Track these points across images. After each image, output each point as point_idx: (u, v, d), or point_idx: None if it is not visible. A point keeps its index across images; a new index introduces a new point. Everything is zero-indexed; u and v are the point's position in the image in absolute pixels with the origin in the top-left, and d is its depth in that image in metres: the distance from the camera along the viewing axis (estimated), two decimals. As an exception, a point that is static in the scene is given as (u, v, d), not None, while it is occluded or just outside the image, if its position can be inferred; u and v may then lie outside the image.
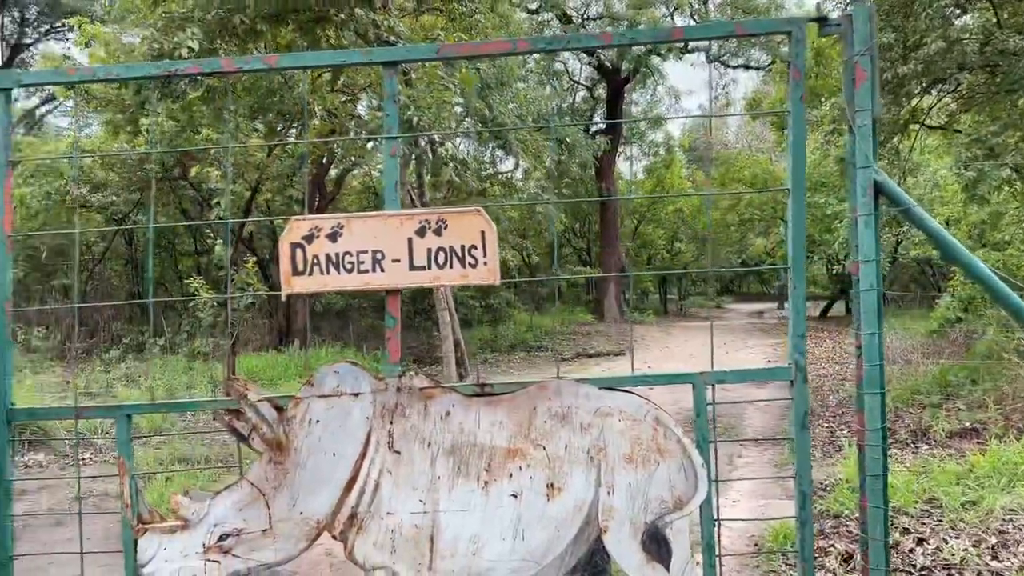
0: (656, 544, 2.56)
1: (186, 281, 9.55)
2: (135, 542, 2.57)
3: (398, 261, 2.65)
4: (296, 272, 2.65)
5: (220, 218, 9.87)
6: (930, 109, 10.31)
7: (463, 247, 2.64)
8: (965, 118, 10.18)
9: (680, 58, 23.44)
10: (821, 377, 11.36)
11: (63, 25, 23.28)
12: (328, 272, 2.66)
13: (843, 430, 7.48)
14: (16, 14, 23.71)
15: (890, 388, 7.62)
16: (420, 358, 14.93)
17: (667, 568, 2.54)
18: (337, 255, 2.66)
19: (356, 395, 2.60)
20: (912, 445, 6.64)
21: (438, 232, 2.64)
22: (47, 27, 24.16)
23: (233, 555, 2.59)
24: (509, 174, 16.44)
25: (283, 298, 2.72)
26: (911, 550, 4.19)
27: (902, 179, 10.05)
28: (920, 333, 12.86)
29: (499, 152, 15.54)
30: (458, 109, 6.71)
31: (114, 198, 15.55)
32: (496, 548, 2.55)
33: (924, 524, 4.55)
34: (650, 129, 26.32)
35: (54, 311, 15.20)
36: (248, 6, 6.07)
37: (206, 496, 2.60)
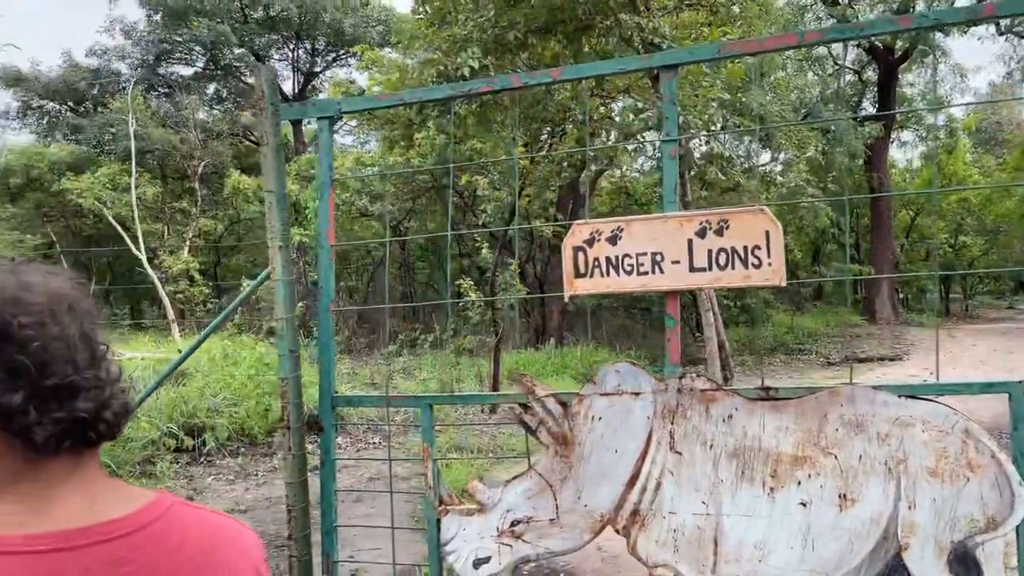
0: (965, 566, 2.36)
1: (457, 282, 10.25)
2: (438, 521, 2.82)
3: (678, 263, 2.67)
4: (578, 274, 2.76)
5: (485, 224, 10.42)
6: None
7: (746, 248, 2.60)
8: None
9: (965, 32, 21.09)
10: None
11: (347, 53, 25.92)
12: (608, 274, 2.74)
13: None
14: (308, 46, 26.75)
15: None
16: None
17: (978, 594, 2.33)
18: (617, 257, 2.73)
19: (637, 394, 2.66)
20: None
21: (719, 232, 2.62)
22: (333, 55, 27.01)
23: (524, 540, 2.76)
24: (767, 167, 15.79)
25: (566, 299, 2.85)
26: None
27: None
28: None
29: (755, 145, 14.98)
30: (716, 104, 6.60)
31: (390, 207, 17.06)
32: (783, 556, 2.48)
33: None
34: (929, 112, 23.96)
35: (341, 311, 16.94)
36: (519, 22, 6.42)
37: (499, 483, 2.79)
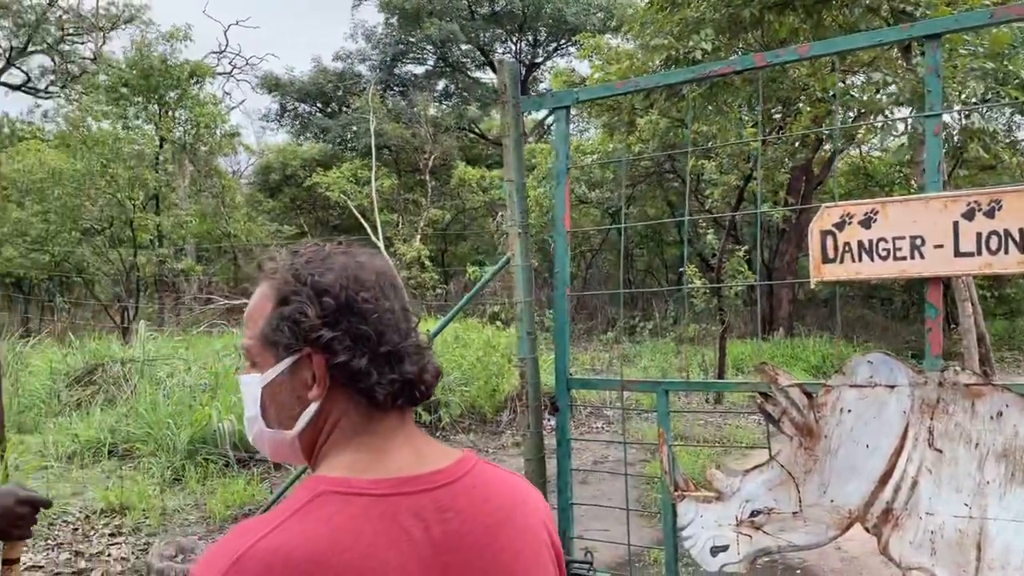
0: None
1: (682, 269, 10.10)
2: (673, 506, 2.83)
3: (940, 247, 2.47)
4: (826, 259, 2.64)
5: (710, 210, 10.17)
6: None
7: (1021, 230, 2.35)
8: None
9: None
10: None
11: (568, 42, 26.28)
12: (860, 259, 2.60)
13: None
14: (529, 38, 27.42)
15: None
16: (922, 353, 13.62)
17: None
18: (870, 241, 2.57)
19: (891, 387, 2.50)
20: None
21: (990, 214, 2.39)
22: (554, 45, 27.49)
23: (764, 532, 2.70)
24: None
25: (812, 285, 2.73)
26: None
27: None
28: None
29: (1017, 118, 13.41)
30: (979, 74, 5.94)
31: (609, 194, 17.13)
32: (1064, 570, 2.24)
33: None
34: None
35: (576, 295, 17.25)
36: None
37: (737, 472, 2.74)
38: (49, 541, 5.03)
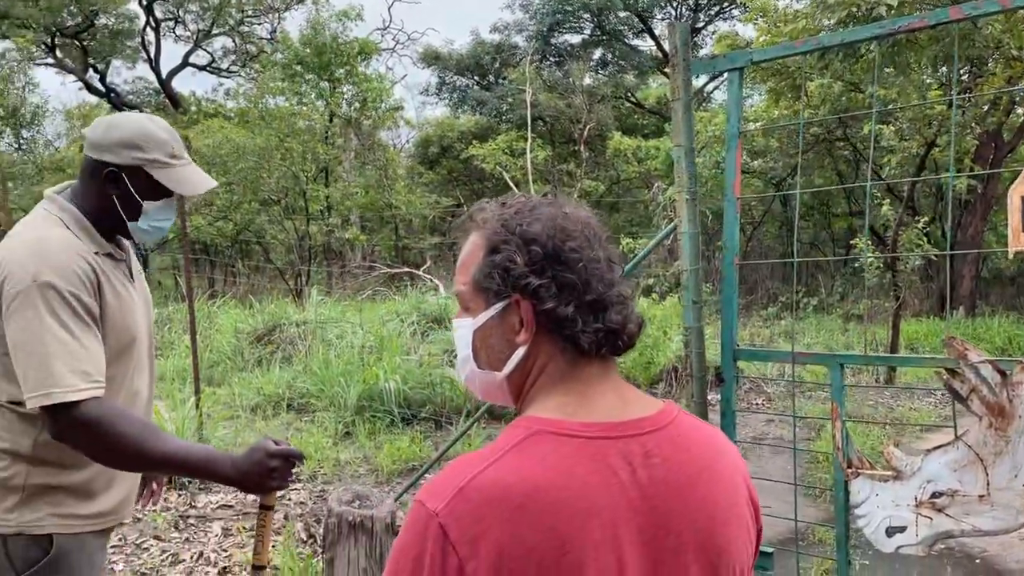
0: None
1: (853, 242, 9.57)
2: (845, 483, 2.73)
3: None
4: (1029, 227, 2.43)
5: (886, 179, 9.58)
6: None
7: None
8: None
9: None
10: None
11: (730, 4, 25.29)
12: (1070, 227, 2.38)
13: None
14: (690, 1, 26.60)
15: None
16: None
17: None
18: (1082, 208, 2.35)
19: (1103, 367, 2.29)
20: None
21: None
22: (716, 8, 26.53)
23: (945, 514, 2.55)
24: None
25: (1010, 256, 2.53)
26: None
27: None
28: None
29: None
30: None
31: (772, 164, 16.43)
32: None
33: None
34: None
35: (745, 264, 16.82)
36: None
37: (917, 451, 2.61)
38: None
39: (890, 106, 9.19)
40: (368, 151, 21.70)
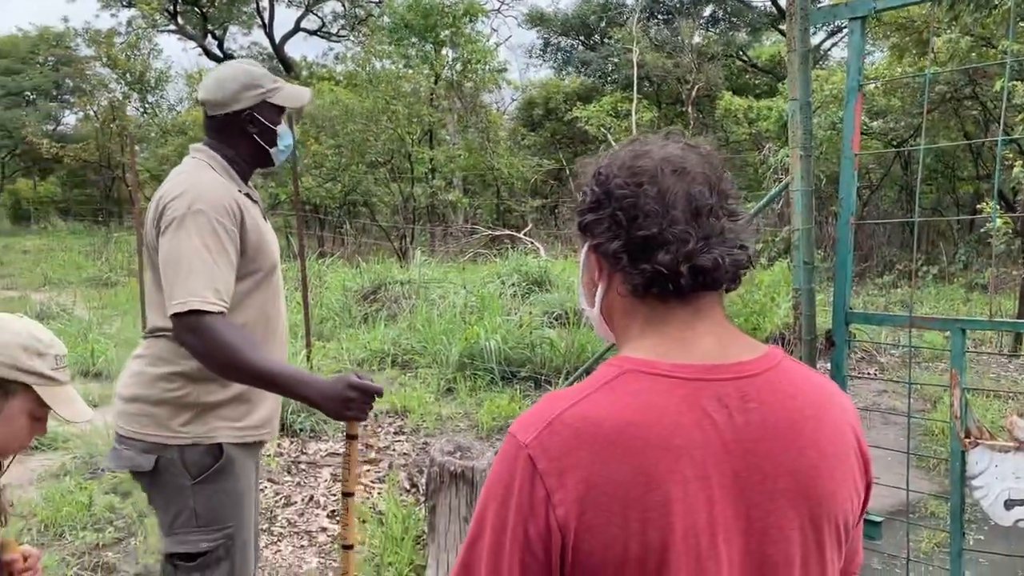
0: None
1: (979, 206, 9.01)
2: (962, 453, 2.60)
3: None
4: None
5: (1016, 138, 8.97)
6: None
7: None
8: None
9: None
10: None
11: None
12: None
13: None
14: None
15: None
16: None
17: None
18: None
19: None
20: None
21: None
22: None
23: (1076, 491, 2.41)
24: None
25: None
26: None
27: None
28: None
29: None
30: None
31: (894, 124, 15.57)
32: None
33: None
34: None
35: (861, 223, 16.17)
36: None
37: (1047, 423, 2.46)
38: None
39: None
40: (470, 114, 21.82)
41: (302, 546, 4.02)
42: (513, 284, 9.85)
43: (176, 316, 1.93)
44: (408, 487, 4.71)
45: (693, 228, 0.97)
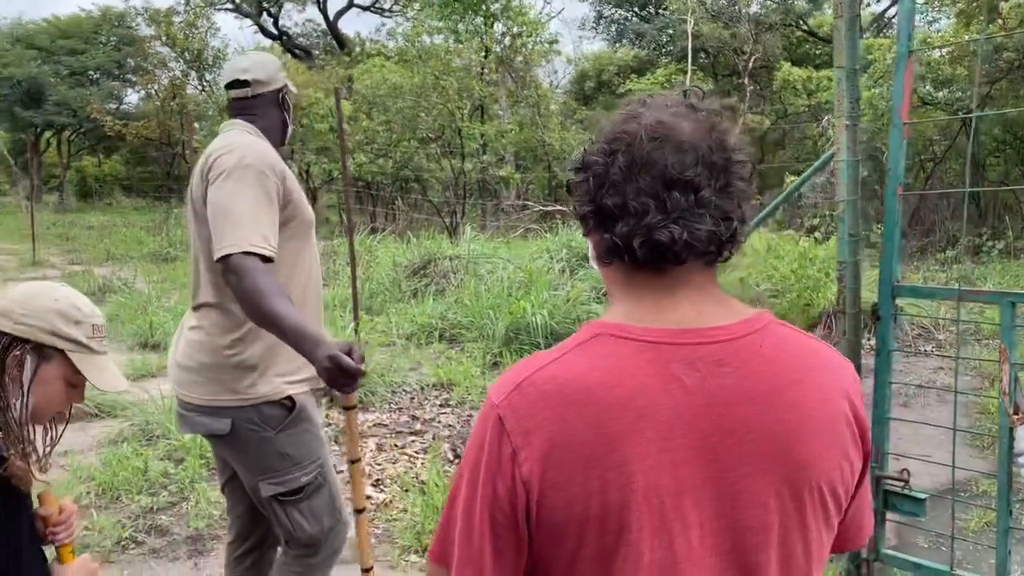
0: None
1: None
2: (1010, 430, 2.53)
3: None
4: None
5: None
6: None
7: None
8: None
9: None
10: None
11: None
12: None
13: None
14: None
15: None
16: None
17: None
18: None
19: None
20: None
21: None
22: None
23: None
24: None
25: None
26: None
27: None
28: None
29: None
30: None
31: (960, 94, 15.01)
32: None
33: None
34: None
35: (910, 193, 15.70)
36: None
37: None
38: (392, 405, 5.82)
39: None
40: (521, 88, 21.70)
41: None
42: (562, 259, 9.83)
43: (223, 259, 2.03)
44: (451, 458, 4.77)
45: (657, 200, 0.96)
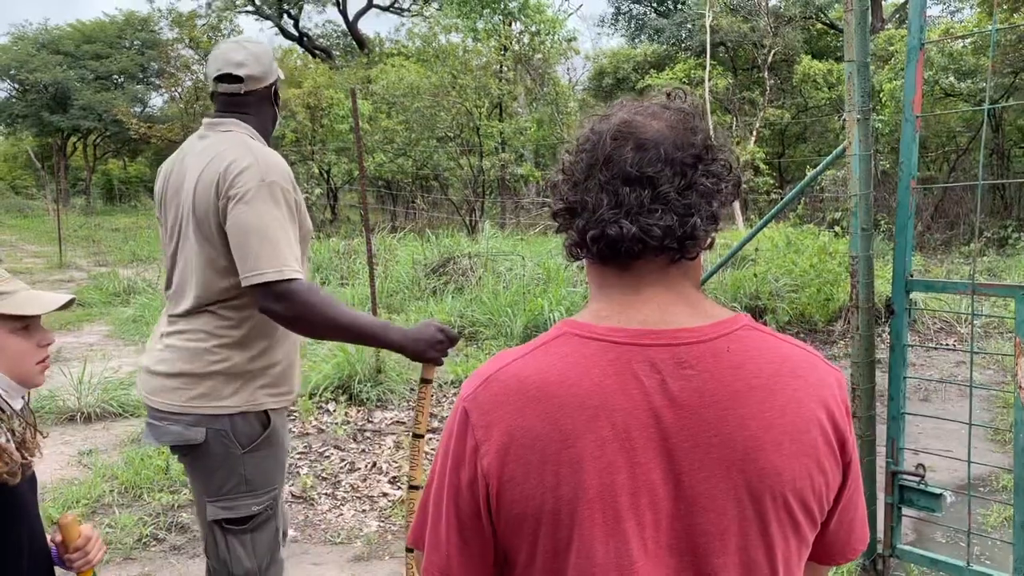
0: None
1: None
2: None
3: None
4: None
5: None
6: None
7: None
8: None
9: None
10: None
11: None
12: None
13: None
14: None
15: None
16: None
17: None
18: None
19: None
20: None
21: None
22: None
23: None
24: None
25: None
26: None
27: None
28: None
29: None
30: None
31: (984, 84, 14.79)
32: None
33: None
34: None
35: (922, 187, 15.51)
36: None
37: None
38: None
39: None
40: (539, 85, 21.67)
41: (363, 510, 4.15)
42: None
43: (264, 285, 2.00)
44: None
45: (611, 197, 0.97)
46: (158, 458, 4.61)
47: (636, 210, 0.96)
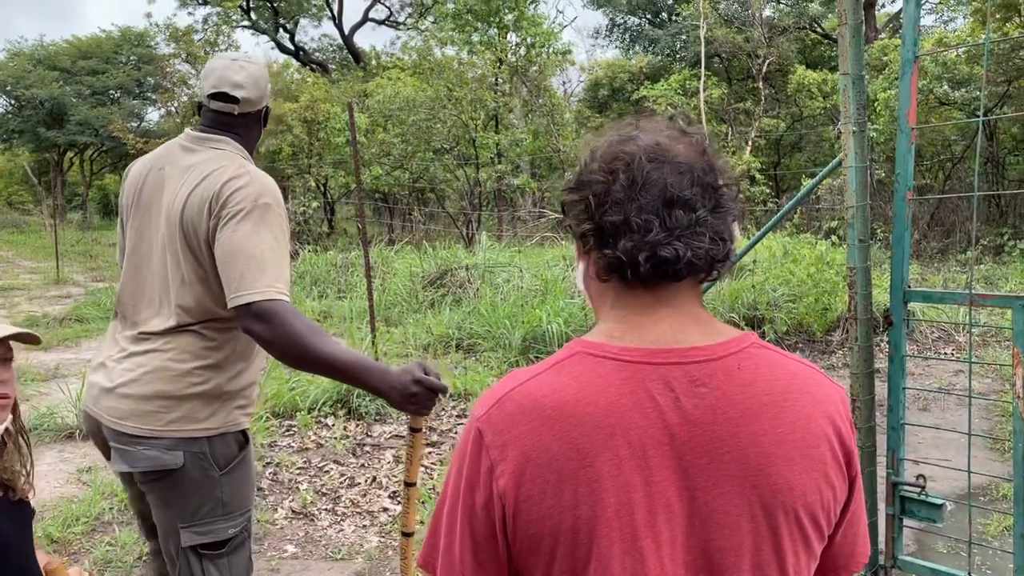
0: None
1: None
2: (1026, 435, 2.51)
3: None
4: None
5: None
6: None
7: None
8: None
9: None
10: None
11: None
12: None
13: None
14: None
15: None
16: None
17: None
18: None
19: None
20: None
21: None
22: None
23: None
24: None
25: None
26: None
27: None
28: None
29: None
30: None
31: (977, 93, 14.87)
32: None
33: None
34: None
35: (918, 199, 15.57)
36: None
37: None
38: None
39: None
40: (535, 97, 21.75)
41: (364, 526, 4.14)
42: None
43: (246, 305, 1.94)
44: (468, 469, 4.78)
45: (659, 218, 0.98)
46: (157, 475, 4.59)
47: (684, 232, 0.98)
